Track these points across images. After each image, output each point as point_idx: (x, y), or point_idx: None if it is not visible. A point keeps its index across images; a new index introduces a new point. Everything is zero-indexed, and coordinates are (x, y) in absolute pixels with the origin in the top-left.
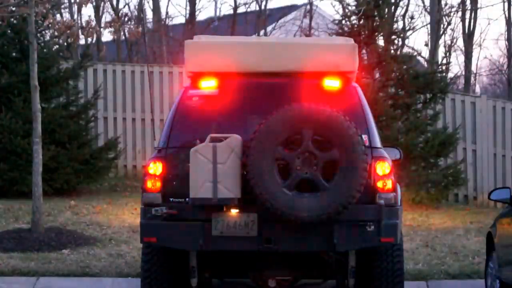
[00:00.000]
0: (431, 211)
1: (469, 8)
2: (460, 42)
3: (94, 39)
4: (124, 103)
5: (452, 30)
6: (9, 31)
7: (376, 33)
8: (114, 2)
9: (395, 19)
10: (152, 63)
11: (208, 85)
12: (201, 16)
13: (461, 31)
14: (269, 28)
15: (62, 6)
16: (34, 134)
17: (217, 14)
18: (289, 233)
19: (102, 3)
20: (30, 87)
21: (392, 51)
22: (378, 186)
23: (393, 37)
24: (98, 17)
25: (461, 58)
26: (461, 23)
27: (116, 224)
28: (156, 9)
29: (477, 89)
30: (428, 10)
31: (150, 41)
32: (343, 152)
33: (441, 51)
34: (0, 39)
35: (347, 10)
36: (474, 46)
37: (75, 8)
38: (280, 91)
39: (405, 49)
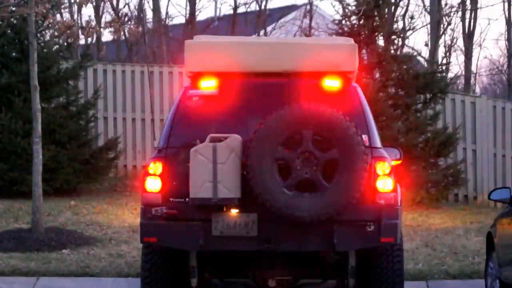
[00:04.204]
0: (431, 211)
1: (469, 8)
2: (460, 42)
3: (94, 39)
4: (124, 103)
5: (452, 30)
6: (9, 31)
7: (376, 33)
8: (114, 2)
9: (395, 19)
10: (152, 63)
11: (208, 85)
12: (201, 16)
13: (461, 31)
14: (269, 28)
15: (62, 6)
16: (34, 134)
17: (217, 14)
18: (289, 233)
19: (102, 3)
20: (30, 87)
21: (392, 51)
22: (378, 186)
23: (393, 37)
24: (98, 17)
25: (461, 58)
26: (461, 23)
27: (116, 224)
28: (156, 9)
29: (477, 89)
30: (428, 10)
31: (150, 41)
32: (343, 152)
33: (441, 51)
34: (0, 39)
35: (347, 10)
36: (474, 46)
37: (75, 8)
38: (280, 91)
39: (405, 49)
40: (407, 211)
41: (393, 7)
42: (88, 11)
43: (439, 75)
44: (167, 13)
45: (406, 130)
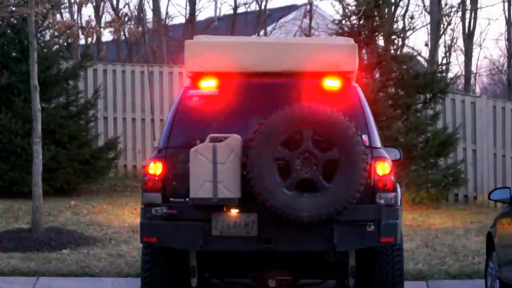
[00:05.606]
0: (431, 211)
1: (469, 8)
2: (460, 42)
3: (94, 39)
4: (124, 103)
5: (452, 30)
6: (9, 31)
7: (376, 33)
8: (114, 2)
9: (395, 19)
10: (152, 63)
11: (208, 85)
12: (201, 16)
13: (461, 31)
14: (269, 28)
15: (62, 6)
16: (34, 134)
17: (217, 14)
18: (289, 233)
19: (102, 3)
20: (30, 87)
21: (392, 51)
22: (378, 186)
23: (393, 37)
24: (98, 17)
25: (461, 58)
26: (461, 23)
27: (116, 224)
28: (156, 9)
29: (477, 89)
30: (428, 10)
31: (150, 41)
32: (343, 152)
33: (441, 51)
34: (0, 39)
35: (347, 10)
36: (474, 46)
37: (75, 8)
38: (280, 91)
39: (405, 49)
40: (407, 211)
41: (393, 7)
42: (88, 11)
43: (439, 75)
44: (167, 13)
45: (406, 130)
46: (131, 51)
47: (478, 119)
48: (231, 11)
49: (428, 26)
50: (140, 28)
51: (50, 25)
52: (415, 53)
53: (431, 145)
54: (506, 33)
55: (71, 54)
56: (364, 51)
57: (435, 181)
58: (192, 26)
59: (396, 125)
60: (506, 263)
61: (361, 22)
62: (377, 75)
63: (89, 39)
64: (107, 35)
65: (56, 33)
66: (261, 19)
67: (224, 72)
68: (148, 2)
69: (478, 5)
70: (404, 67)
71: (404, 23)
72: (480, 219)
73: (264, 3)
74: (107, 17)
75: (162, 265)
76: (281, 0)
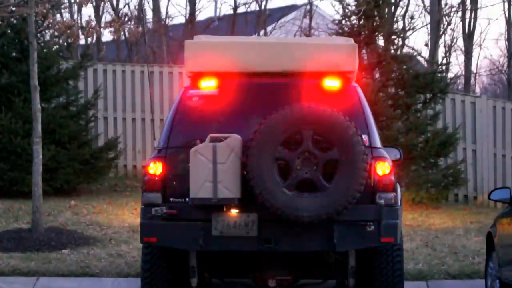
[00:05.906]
0: (431, 211)
1: (469, 8)
2: (460, 42)
3: (94, 39)
4: (124, 103)
5: (452, 30)
6: (9, 31)
7: (376, 33)
8: (114, 2)
9: (395, 19)
10: (152, 63)
11: (208, 85)
12: (201, 16)
13: (461, 31)
14: (269, 28)
15: (62, 6)
16: (34, 134)
17: (217, 14)
18: (289, 233)
19: (102, 3)
20: (30, 87)
21: (392, 51)
22: (378, 186)
23: (393, 37)
24: (98, 17)
25: (461, 58)
26: (461, 23)
27: (116, 224)
28: (156, 9)
29: (477, 89)
30: (428, 10)
31: (150, 41)
32: (343, 152)
33: (441, 51)
34: (0, 39)
35: (347, 10)
36: (474, 46)
37: (75, 8)
38: (280, 91)
39: (405, 49)
40: (407, 211)
41: (393, 7)
42: (88, 11)
43: (439, 75)
44: (167, 13)
45: (406, 130)
46: (131, 51)
47: (478, 119)
48: (231, 11)
49: (428, 26)
50: (140, 28)
51: (50, 25)
52: (415, 53)
53: (431, 145)
54: (506, 33)
55: (71, 54)
56: (364, 51)
57: (435, 181)
58: (192, 26)
59: (396, 125)
60: (506, 263)
61: (361, 22)
62: (377, 75)
63: (89, 39)
64: (107, 35)
65: (56, 33)
66: (261, 19)
67: (224, 72)
68: (148, 2)
69: (478, 5)
70: (404, 67)
71: (404, 23)
72: (480, 219)
73: (264, 3)
74: (107, 17)
75: (162, 265)
76: (281, 0)
